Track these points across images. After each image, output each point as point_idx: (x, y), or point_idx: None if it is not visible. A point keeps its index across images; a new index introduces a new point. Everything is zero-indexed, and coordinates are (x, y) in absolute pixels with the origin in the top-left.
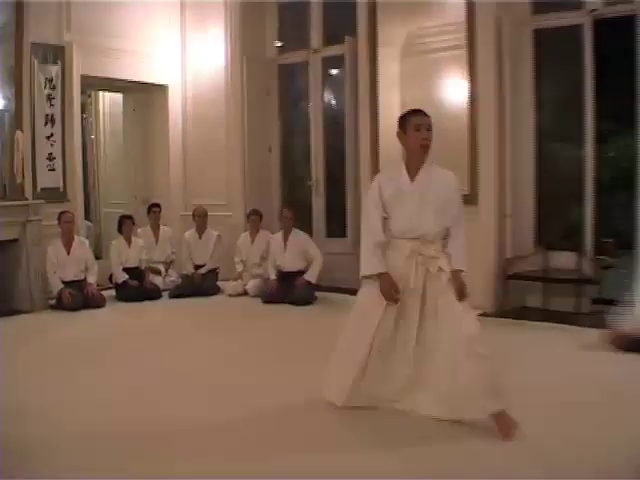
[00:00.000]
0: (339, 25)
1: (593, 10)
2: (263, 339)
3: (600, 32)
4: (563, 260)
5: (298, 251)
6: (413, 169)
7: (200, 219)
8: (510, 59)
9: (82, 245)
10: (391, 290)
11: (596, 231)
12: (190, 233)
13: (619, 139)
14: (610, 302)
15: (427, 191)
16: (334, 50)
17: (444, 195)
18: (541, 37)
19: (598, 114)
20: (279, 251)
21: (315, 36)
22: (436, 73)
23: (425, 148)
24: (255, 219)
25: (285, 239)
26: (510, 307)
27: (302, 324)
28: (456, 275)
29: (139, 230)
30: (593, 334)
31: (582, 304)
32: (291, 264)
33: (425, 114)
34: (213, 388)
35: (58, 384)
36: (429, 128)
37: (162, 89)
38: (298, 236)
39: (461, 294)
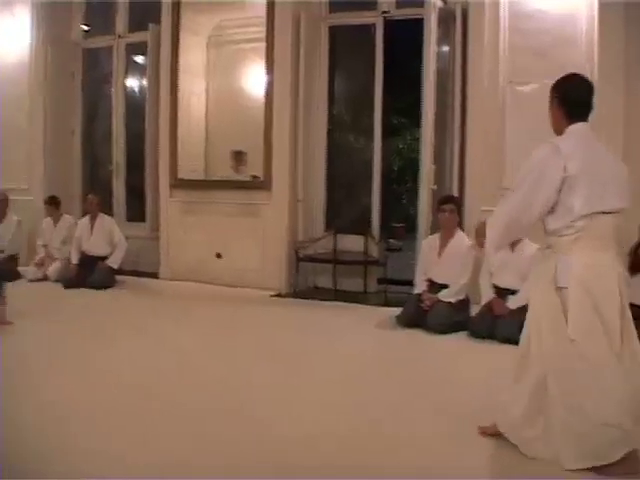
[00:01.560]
0: (145, 12)
1: (385, 12)
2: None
3: (391, 32)
4: (352, 243)
5: (104, 236)
6: None
7: (0, 203)
8: (306, 53)
9: None
10: None
11: (384, 216)
12: None
13: (408, 133)
14: (394, 282)
15: None
16: (138, 37)
17: None
18: (336, 34)
19: (387, 109)
20: (86, 236)
21: (120, 22)
22: (239, 64)
23: None
24: (50, 208)
25: (92, 224)
26: (302, 288)
27: (99, 306)
28: None
29: None
30: (378, 312)
31: (369, 284)
32: (96, 249)
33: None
34: None
35: None
36: None
37: None
38: (105, 221)
39: None
